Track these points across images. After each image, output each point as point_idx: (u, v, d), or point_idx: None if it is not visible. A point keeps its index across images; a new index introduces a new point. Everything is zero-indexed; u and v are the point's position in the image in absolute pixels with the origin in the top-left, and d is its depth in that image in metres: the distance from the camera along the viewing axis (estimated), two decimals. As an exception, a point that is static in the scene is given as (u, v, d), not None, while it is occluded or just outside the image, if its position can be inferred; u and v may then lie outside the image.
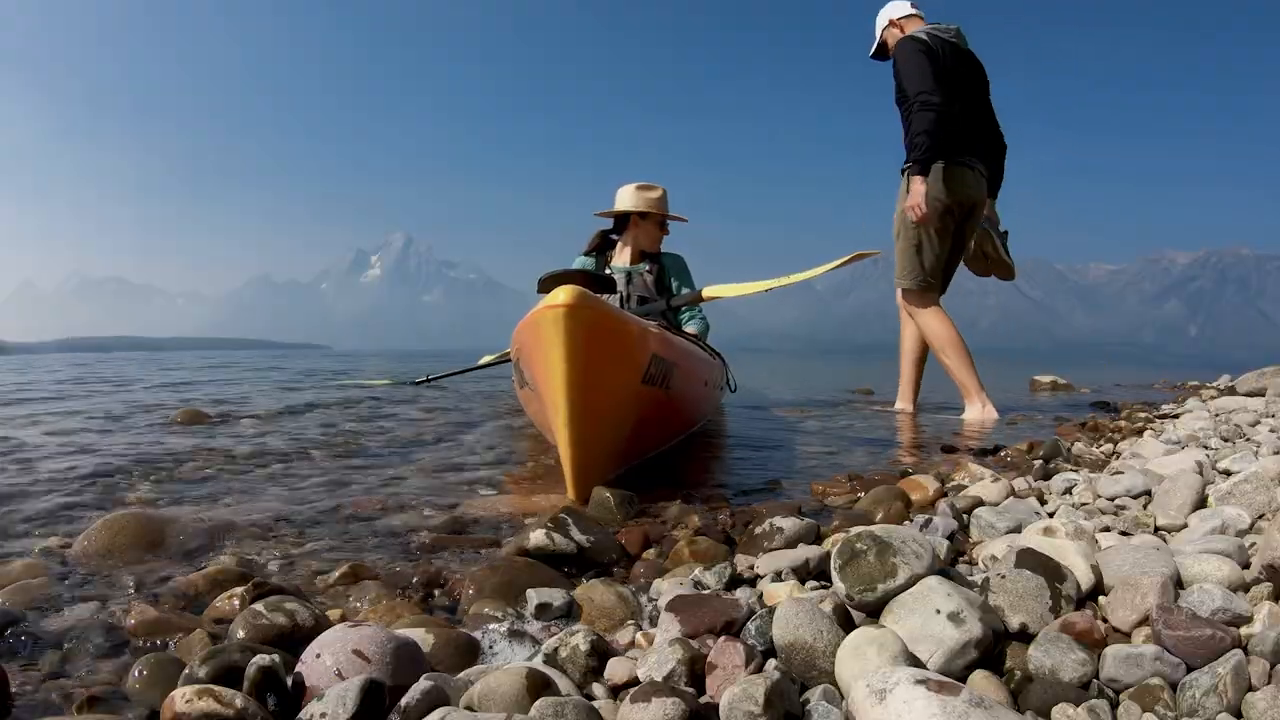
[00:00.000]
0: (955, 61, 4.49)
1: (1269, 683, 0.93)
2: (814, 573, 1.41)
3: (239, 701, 0.87)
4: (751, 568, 1.45)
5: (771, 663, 1.02)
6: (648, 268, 4.44)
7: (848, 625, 1.08)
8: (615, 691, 1.01)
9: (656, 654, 1.02)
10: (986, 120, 4.77)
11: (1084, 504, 1.94)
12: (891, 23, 4.79)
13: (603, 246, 4.63)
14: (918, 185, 4.39)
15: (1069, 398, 7.28)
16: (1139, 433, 3.60)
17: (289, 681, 0.95)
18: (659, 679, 0.98)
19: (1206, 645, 0.96)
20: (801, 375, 11.54)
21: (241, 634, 1.11)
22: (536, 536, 1.57)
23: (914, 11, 4.81)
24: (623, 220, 4.55)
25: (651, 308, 4.26)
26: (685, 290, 4.52)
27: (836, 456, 3.13)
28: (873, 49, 4.93)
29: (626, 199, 4.45)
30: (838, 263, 4.52)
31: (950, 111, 4.34)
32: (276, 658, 0.95)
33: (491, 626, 1.21)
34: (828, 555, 1.38)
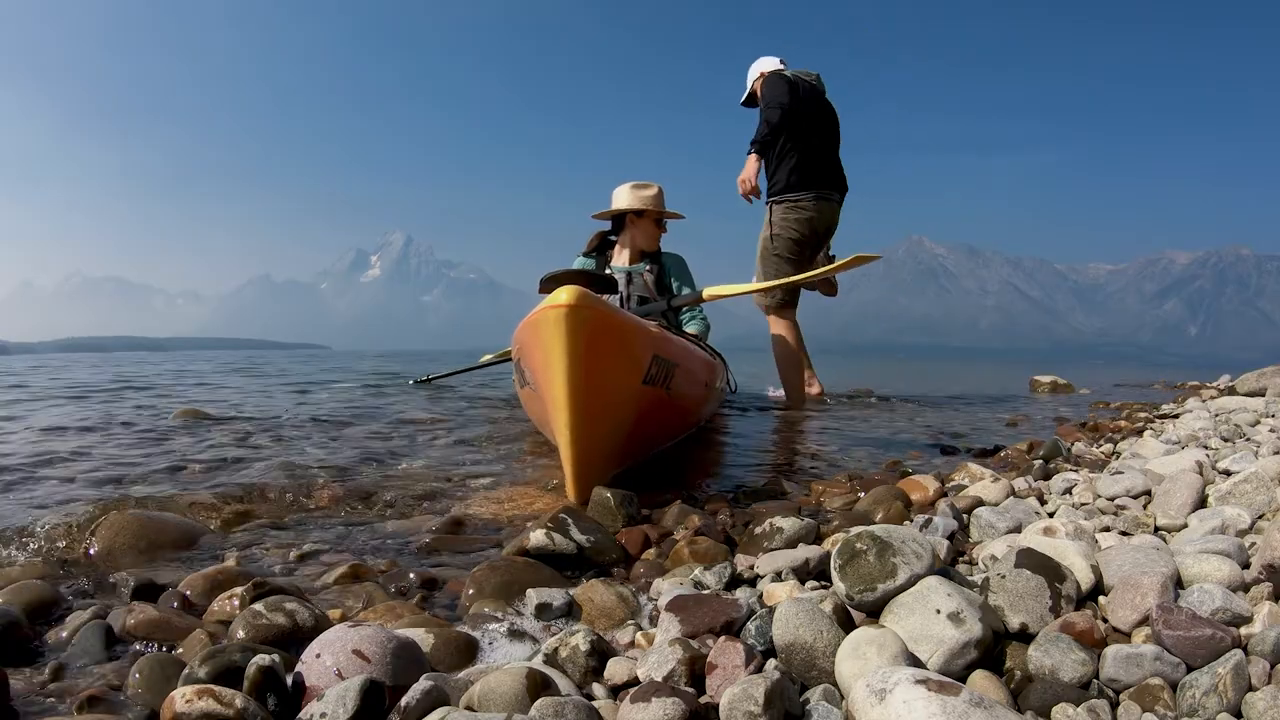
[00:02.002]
0: (813, 104, 5.31)
1: (1269, 683, 0.93)
2: (814, 573, 1.41)
3: (239, 701, 0.87)
4: (751, 568, 1.45)
5: (771, 663, 1.02)
6: (648, 267, 4.40)
7: (848, 625, 1.08)
8: (615, 691, 1.01)
9: (656, 654, 1.02)
10: (836, 157, 5.54)
11: (1084, 504, 1.94)
12: (762, 74, 5.49)
13: (602, 247, 4.58)
14: (751, 162, 5.07)
15: (1069, 398, 7.28)
16: (1139, 433, 3.60)
17: (289, 681, 0.95)
18: (659, 679, 0.98)
19: (1206, 645, 0.96)
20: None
21: (241, 634, 1.11)
22: (536, 536, 1.57)
23: (782, 68, 5.50)
24: (620, 221, 4.50)
25: (652, 308, 4.19)
26: (686, 290, 4.41)
27: (836, 456, 3.13)
28: (744, 97, 5.67)
29: (622, 198, 4.41)
30: (838, 265, 4.51)
31: (809, 145, 5.19)
32: (276, 658, 0.95)
33: (491, 626, 1.21)
34: (828, 555, 1.38)
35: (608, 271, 4.38)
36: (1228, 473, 2.08)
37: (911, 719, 0.80)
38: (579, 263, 4.54)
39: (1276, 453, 2.42)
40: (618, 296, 4.22)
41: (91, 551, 1.60)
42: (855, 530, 1.21)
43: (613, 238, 4.57)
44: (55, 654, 1.12)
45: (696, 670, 0.99)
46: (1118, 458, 2.72)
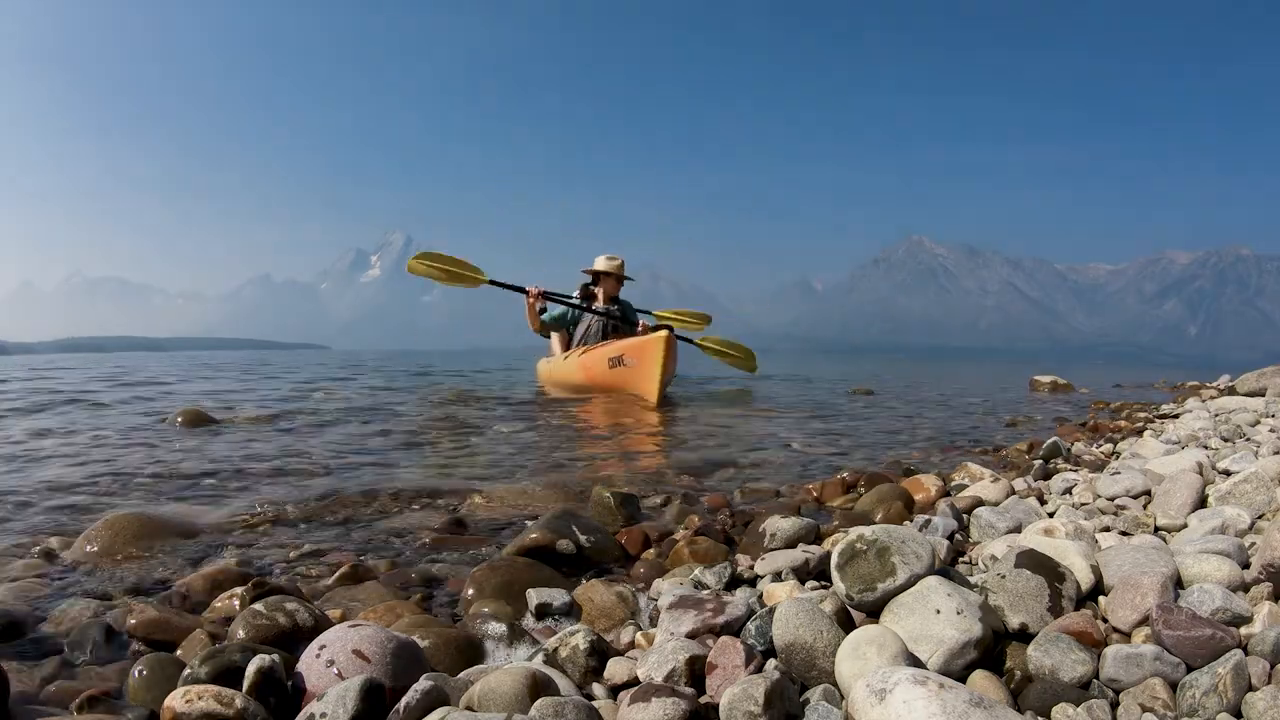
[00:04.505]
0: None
1: (1269, 683, 0.93)
2: (814, 573, 1.41)
3: (239, 701, 0.87)
4: (751, 568, 1.45)
5: (771, 663, 1.02)
6: (615, 308, 7.10)
7: (848, 625, 1.08)
8: (615, 691, 1.01)
9: (657, 654, 1.02)
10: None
11: (1084, 504, 1.94)
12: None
13: (588, 292, 7.21)
14: None
15: (1069, 398, 7.28)
16: (1139, 433, 3.60)
17: (289, 682, 0.95)
18: (659, 679, 0.98)
19: (1206, 645, 0.96)
20: (799, 375, 11.55)
21: (241, 634, 1.11)
22: (536, 536, 1.57)
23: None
24: (597, 275, 7.12)
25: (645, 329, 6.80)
26: (638, 316, 7.19)
27: (836, 457, 3.13)
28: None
29: (599, 263, 7.08)
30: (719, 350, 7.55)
31: None
32: (276, 658, 0.95)
33: (491, 626, 1.21)
34: (828, 555, 1.38)
35: (595, 306, 7.01)
36: (1228, 473, 2.08)
37: (911, 719, 0.80)
38: (560, 309, 7.04)
39: (1276, 453, 2.42)
40: (603, 321, 6.94)
41: (92, 551, 1.60)
42: (855, 530, 1.21)
43: (593, 287, 7.19)
44: (55, 654, 1.12)
45: (696, 670, 0.99)
46: (1118, 458, 2.72)
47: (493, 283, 6.96)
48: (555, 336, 7.21)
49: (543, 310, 7.00)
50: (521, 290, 6.94)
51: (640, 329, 6.59)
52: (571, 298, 7.07)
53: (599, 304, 7.08)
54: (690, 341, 7.06)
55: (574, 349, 6.72)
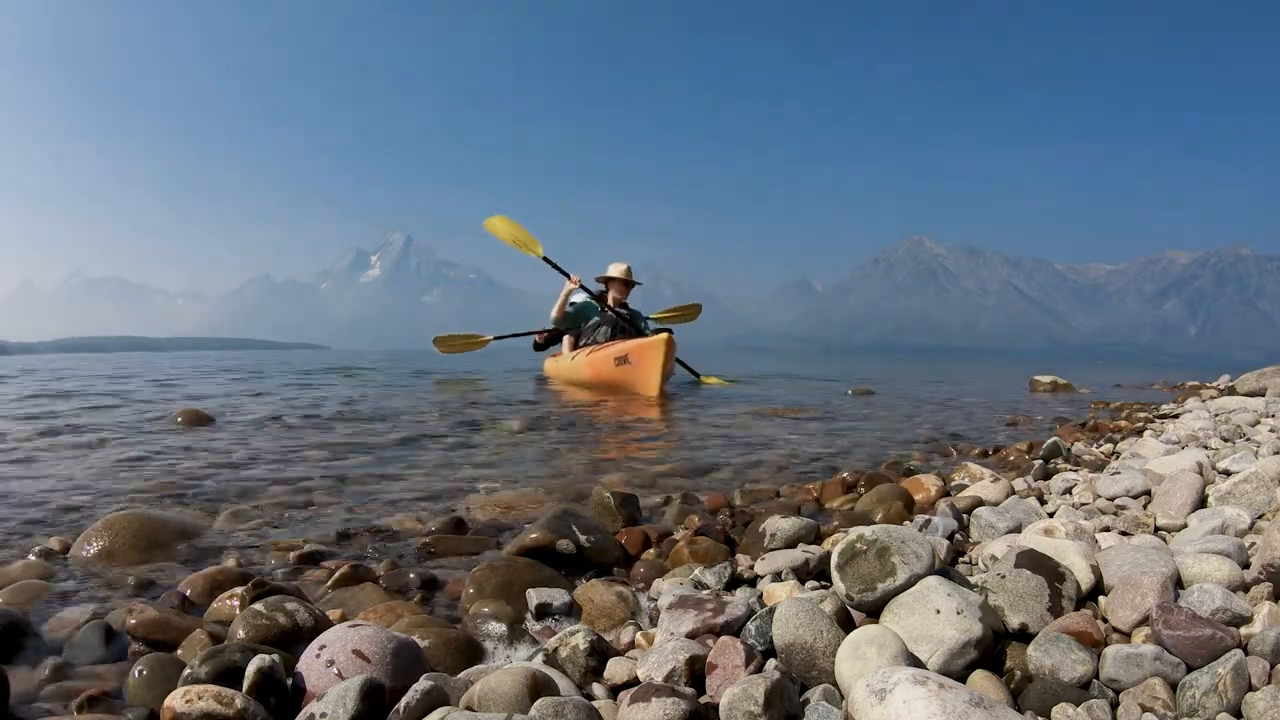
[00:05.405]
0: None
1: (1269, 683, 0.93)
2: (814, 573, 1.41)
3: (239, 701, 0.87)
4: (751, 568, 1.45)
5: (771, 663, 1.02)
6: (624, 310, 8.04)
7: (848, 625, 1.08)
8: (615, 691, 1.01)
9: (657, 654, 1.02)
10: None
11: (1084, 504, 1.94)
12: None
13: (602, 295, 8.05)
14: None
15: (1069, 398, 7.28)
16: (1139, 433, 3.60)
17: (289, 681, 0.95)
18: (659, 679, 0.98)
19: (1206, 645, 0.96)
20: (799, 375, 11.55)
21: (242, 634, 1.11)
22: (536, 536, 1.57)
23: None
24: (608, 280, 8.17)
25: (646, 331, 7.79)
26: (643, 319, 8.14)
27: (836, 457, 3.13)
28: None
29: (611, 270, 8.07)
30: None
31: None
32: (276, 658, 0.95)
33: (491, 626, 1.21)
34: (828, 555, 1.38)
35: (608, 307, 7.90)
36: (1228, 473, 2.08)
37: (911, 719, 0.80)
38: (583, 297, 8.00)
39: (1276, 453, 2.43)
40: (611, 322, 7.78)
41: (92, 551, 1.60)
42: (855, 530, 1.21)
43: (604, 290, 8.11)
44: (55, 654, 1.12)
45: (696, 670, 0.99)
46: (1118, 458, 2.72)
47: (545, 259, 7.96)
48: (566, 339, 8.03)
49: (570, 307, 7.94)
50: (566, 274, 7.81)
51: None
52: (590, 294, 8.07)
53: (609, 303, 8.15)
54: (692, 373, 8.15)
55: (582, 348, 7.49)
